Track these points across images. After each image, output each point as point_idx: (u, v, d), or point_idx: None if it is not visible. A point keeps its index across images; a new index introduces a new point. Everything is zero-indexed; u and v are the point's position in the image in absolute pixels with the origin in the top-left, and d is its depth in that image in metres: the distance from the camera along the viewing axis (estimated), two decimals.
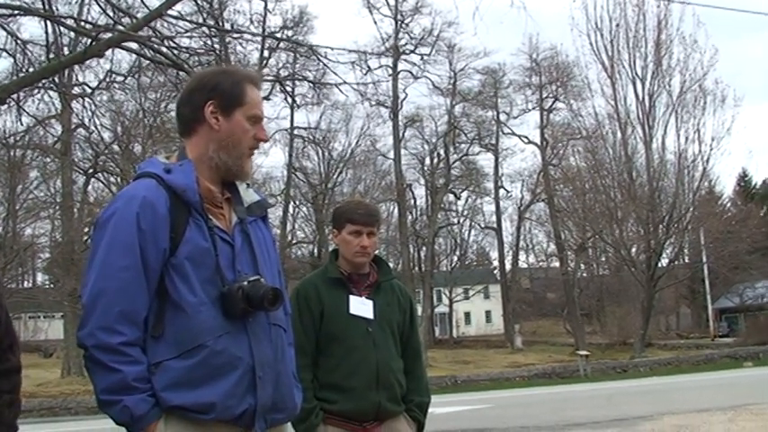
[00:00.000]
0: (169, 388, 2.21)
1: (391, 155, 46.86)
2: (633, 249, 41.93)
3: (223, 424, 2.26)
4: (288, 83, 38.07)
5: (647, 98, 41.17)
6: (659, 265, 41.09)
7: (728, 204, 58.06)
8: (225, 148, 2.40)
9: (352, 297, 3.48)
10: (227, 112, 2.40)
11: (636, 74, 41.42)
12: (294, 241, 51.27)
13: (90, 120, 27.06)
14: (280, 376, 2.39)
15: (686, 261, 50.35)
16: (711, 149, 39.53)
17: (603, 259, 56.02)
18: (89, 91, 25.06)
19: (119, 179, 30.73)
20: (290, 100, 42.42)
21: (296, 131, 46.25)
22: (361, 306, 3.47)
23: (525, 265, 63.64)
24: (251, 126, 2.44)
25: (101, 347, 2.18)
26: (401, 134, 46.41)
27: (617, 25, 41.45)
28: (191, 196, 2.32)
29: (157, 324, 2.25)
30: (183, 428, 2.23)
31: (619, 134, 41.82)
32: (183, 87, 2.60)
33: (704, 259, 46.93)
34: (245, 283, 2.30)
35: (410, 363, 3.61)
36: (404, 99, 45.95)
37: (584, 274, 57.47)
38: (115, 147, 31.40)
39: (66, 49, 19.82)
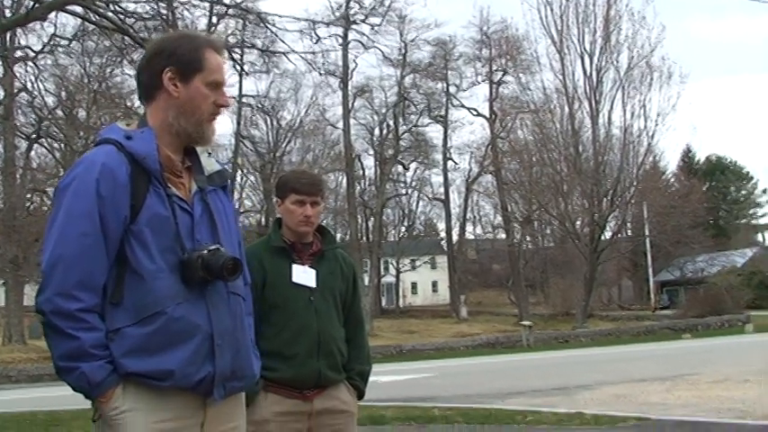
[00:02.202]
0: (127, 354, 2.21)
1: (340, 125, 46.75)
2: (578, 222, 42.55)
3: (181, 391, 2.27)
4: (236, 50, 37.55)
5: (594, 73, 41.59)
6: (602, 238, 41.76)
7: (672, 179, 59.10)
8: (184, 114, 2.39)
9: (294, 266, 3.49)
10: (185, 78, 2.39)
11: (584, 49, 41.80)
12: (242, 210, 50.93)
13: (33, 84, 26.55)
14: (239, 344, 2.40)
15: (629, 234, 51.28)
16: (656, 125, 40.14)
17: (549, 232, 56.69)
18: (32, 55, 24.55)
19: (62, 145, 30.20)
20: (238, 68, 41.91)
21: (244, 99, 45.80)
22: (303, 275, 3.48)
23: (472, 237, 64.18)
24: (211, 92, 2.42)
25: (58, 313, 2.18)
26: (350, 104, 46.28)
27: (567, 0, 41.72)
28: (150, 164, 2.31)
29: (116, 291, 2.24)
30: (141, 395, 2.23)
31: (566, 108, 42.23)
32: (143, 53, 2.56)
33: (647, 233, 47.83)
34: (205, 251, 2.31)
35: (352, 331, 3.65)
36: (354, 69, 45.81)
37: (530, 246, 58.13)
38: (59, 112, 30.75)
39: (7, 11, 19.35)
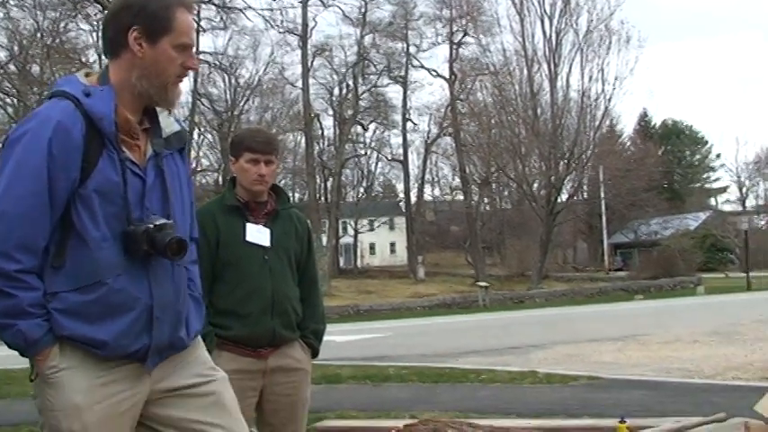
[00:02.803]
0: (64, 317, 2.17)
1: (299, 84, 46.25)
2: (535, 185, 42.88)
3: (116, 357, 2.24)
4: (193, 5, 36.97)
5: (554, 36, 41.73)
6: (559, 200, 42.18)
7: (628, 143, 59.78)
8: (148, 76, 2.28)
9: (248, 224, 3.48)
10: (152, 39, 2.27)
11: (544, 11, 41.88)
12: (199, 169, 50.48)
13: None
14: (179, 315, 2.36)
15: (585, 197, 51.88)
16: (614, 89, 40.56)
17: (506, 194, 57.12)
18: None
19: (15, 100, 29.57)
20: (194, 24, 41.35)
21: (201, 56, 45.13)
22: (257, 234, 3.48)
23: (430, 198, 64.36)
24: (178, 54, 2.31)
25: None
26: (310, 63, 45.81)
27: None
28: (106, 126, 2.21)
29: (58, 254, 2.19)
30: (78, 355, 2.21)
31: (525, 71, 42.34)
32: (98, 7, 2.40)
33: (602, 196, 48.40)
34: (152, 225, 2.24)
35: (306, 291, 3.66)
36: (313, 27, 45.33)
37: (487, 208, 58.51)
38: (11, 67, 30.08)
39: None
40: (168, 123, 2.42)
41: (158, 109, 2.40)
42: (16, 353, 2.21)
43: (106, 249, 2.20)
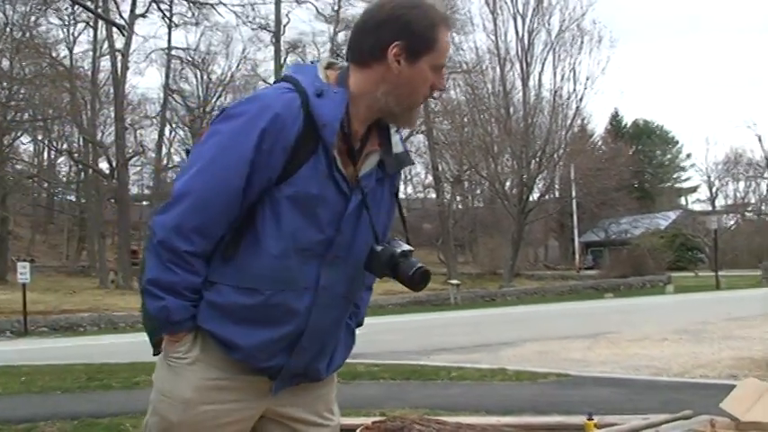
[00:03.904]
0: (212, 310, 2.08)
1: (272, 80, 46.05)
2: (507, 183, 43.08)
3: (246, 365, 2.13)
4: (165, 1, 36.82)
5: (526, 35, 41.91)
6: (530, 198, 42.42)
7: (599, 142, 60.20)
8: (398, 94, 2.12)
9: None
10: (413, 57, 2.10)
11: (517, 10, 42.04)
12: (170, 166, 50.18)
13: None
14: (326, 348, 2.23)
15: (556, 196, 52.18)
16: (585, 88, 40.78)
17: (478, 192, 57.27)
18: None
19: None
20: (167, 19, 41.12)
21: (174, 52, 44.91)
22: None
23: (403, 196, 64.10)
24: (432, 74, 2.14)
25: (167, 246, 2.03)
26: (283, 60, 45.69)
27: None
28: (328, 135, 2.05)
29: (232, 246, 2.08)
30: (207, 352, 2.12)
31: (498, 70, 42.49)
32: (370, 11, 2.18)
33: (573, 194, 48.69)
34: (398, 250, 2.13)
35: None
36: (286, 24, 45.22)
37: (460, 206, 58.63)
38: None
39: None
40: (395, 143, 2.24)
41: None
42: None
43: (278, 261, 2.07)
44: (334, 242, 2.11)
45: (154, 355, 2.21)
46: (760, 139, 75.61)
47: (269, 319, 2.09)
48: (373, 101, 2.13)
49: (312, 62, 2.25)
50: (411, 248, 2.16)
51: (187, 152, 2.19)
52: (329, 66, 2.20)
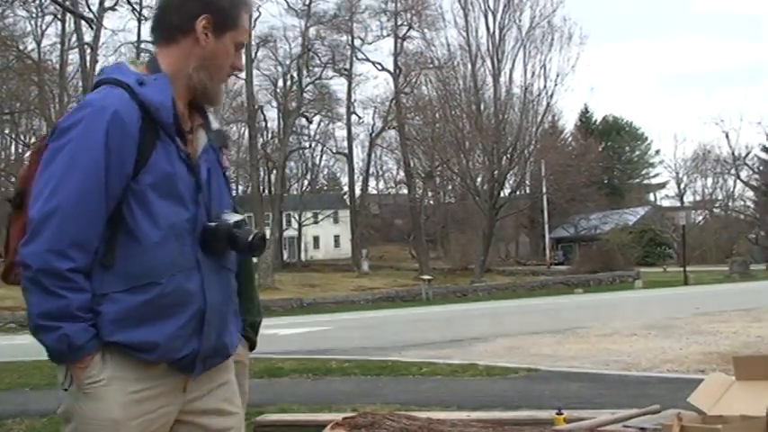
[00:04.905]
0: (113, 322, 2.05)
1: (243, 75, 45.91)
2: (478, 179, 43.21)
3: (162, 365, 2.13)
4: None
5: (497, 31, 42.05)
6: (501, 194, 42.58)
7: (570, 139, 60.59)
8: (207, 68, 2.20)
9: None
10: (218, 31, 2.19)
11: (488, 6, 42.16)
12: None
13: None
14: (225, 321, 2.26)
15: (527, 192, 52.41)
16: (556, 85, 40.97)
17: (450, 187, 57.47)
18: None
19: None
20: (136, 13, 40.70)
21: (143, 45, 44.48)
22: None
23: (375, 192, 64.49)
24: (234, 52, 2.24)
25: (47, 272, 1.99)
26: (254, 54, 45.51)
27: None
28: (164, 116, 2.10)
29: (108, 253, 2.06)
30: (121, 364, 2.09)
31: (469, 66, 42.60)
32: None
33: (544, 190, 48.96)
34: (231, 221, 2.17)
35: (243, 284, 3.63)
36: (257, 18, 44.88)
37: (431, 202, 58.82)
38: None
39: None
40: (212, 120, 2.32)
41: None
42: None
43: (161, 248, 2.08)
44: (197, 217, 2.15)
45: (64, 390, 2.12)
46: (727, 136, 76.86)
47: (170, 308, 2.10)
48: (187, 78, 2.19)
49: (117, 63, 2.28)
50: (242, 217, 2.23)
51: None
52: (133, 63, 2.24)
